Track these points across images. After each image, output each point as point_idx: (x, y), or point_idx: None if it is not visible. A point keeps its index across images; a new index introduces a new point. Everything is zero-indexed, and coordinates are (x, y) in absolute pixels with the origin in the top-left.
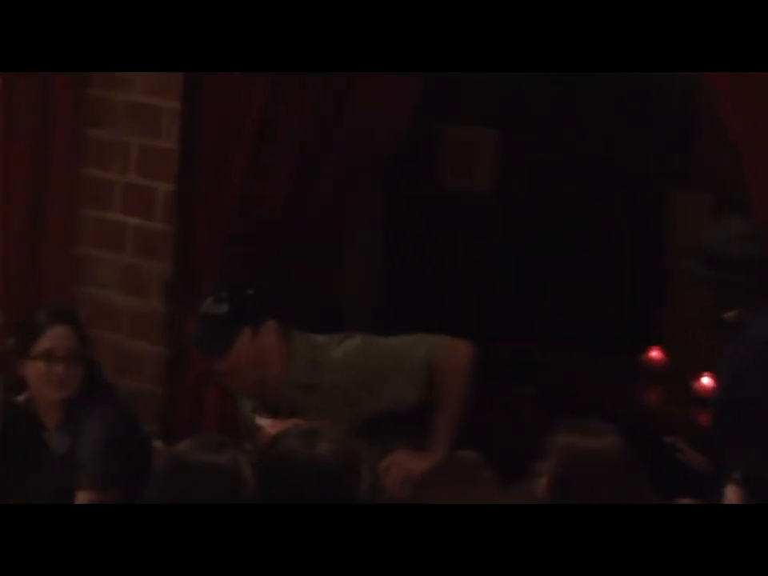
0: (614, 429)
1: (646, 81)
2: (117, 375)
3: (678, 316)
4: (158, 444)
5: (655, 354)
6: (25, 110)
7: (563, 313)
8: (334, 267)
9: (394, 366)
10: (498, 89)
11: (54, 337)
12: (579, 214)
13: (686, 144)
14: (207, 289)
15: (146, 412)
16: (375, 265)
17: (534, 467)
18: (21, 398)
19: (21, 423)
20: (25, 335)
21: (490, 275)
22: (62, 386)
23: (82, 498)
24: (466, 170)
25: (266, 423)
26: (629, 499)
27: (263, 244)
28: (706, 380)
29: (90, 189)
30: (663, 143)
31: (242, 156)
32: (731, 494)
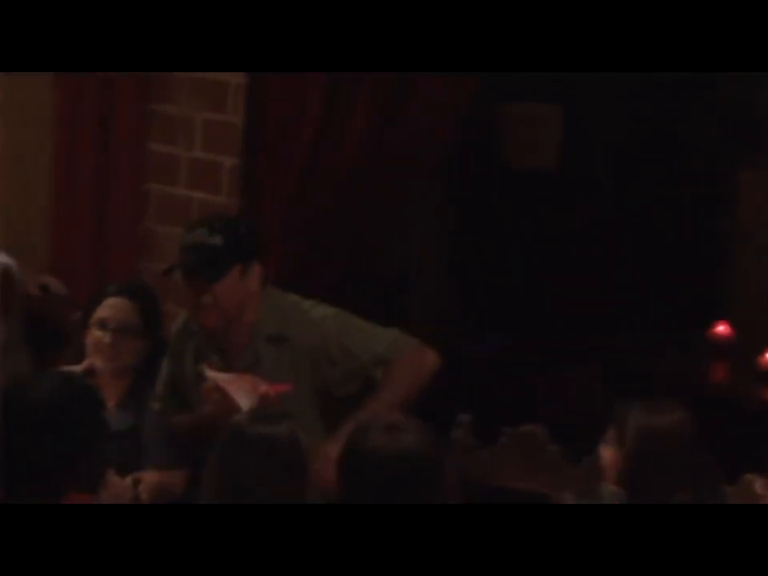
0: (682, 406)
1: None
2: None
3: (745, 291)
4: None
5: (722, 329)
6: (90, 86)
7: (628, 289)
8: (397, 247)
9: (355, 351)
10: None
11: (111, 306)
12: (644, 190)
13: (756, 122)
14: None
15: None
16: (440, 246)
17: (600, 444)
18: (78, 367)
19: (78, 397)
20: (88, 304)
21: (554, 253)
22: (110, 356)
23: (150, 478)
24: (530, 147)
25: (217, 376)
26: (697, 476)
27: (326, 219)
28: None
29: (155, 164)
30: (731, 119)
31: (307, 130)
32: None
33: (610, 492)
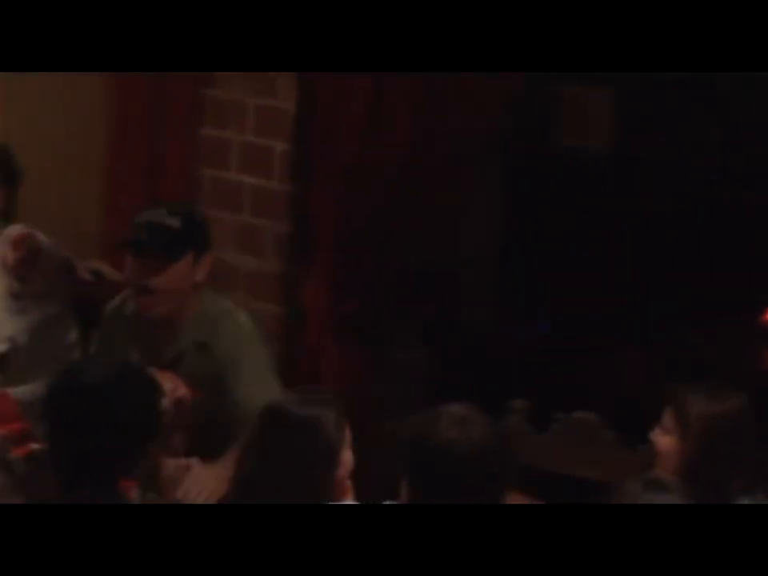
0: (736, 391)
1: None
2: None
3: None
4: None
5: None
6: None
7: (680, 273)
8: (448, 233)
9: (237, 394)
10: None
11: None
12: (695, 175)
13: None
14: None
15: None
16: (491, 231)
17: (655, 430)
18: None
19: (135, 383)
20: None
21: (605, 237)
22: None
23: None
24: (582, 131)
25: None
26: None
27: (377, 205)
28: None
29: (207, 148)
30: None
31: (358, 116)
32: None
33: (665, 481)
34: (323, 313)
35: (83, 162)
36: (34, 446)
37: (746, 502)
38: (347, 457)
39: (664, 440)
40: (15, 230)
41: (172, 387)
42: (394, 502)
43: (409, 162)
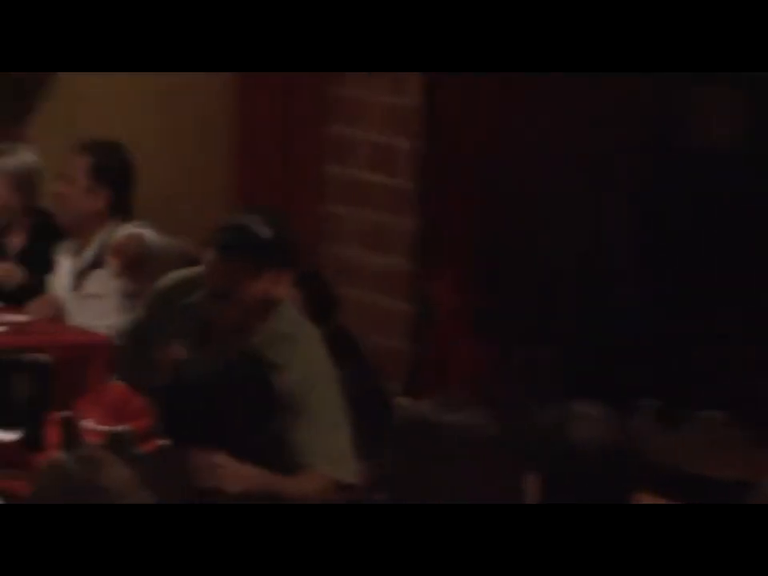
0: None
1: None
2: (361, 332)
3: None
4: (402, 401)
5: None
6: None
7: None
8: (581, 230)
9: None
10: None
11: None
12: None
13: None
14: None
15: (391, 369)
16: (622, 230)
17: None
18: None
19: (251, 374)
20: None
21: (733, 234)
22: None
23: None
24: (710, 129)
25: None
26: None
27: (505, 203)
28: None
29: (335, 147)
30: None
31: (485, 113)
32: None
33: None
34: (453, 311)
35: (209, 162)
36: (161, 441)
37: None
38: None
39: None
40: (126, 229)
41: None
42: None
43: (539, 160)
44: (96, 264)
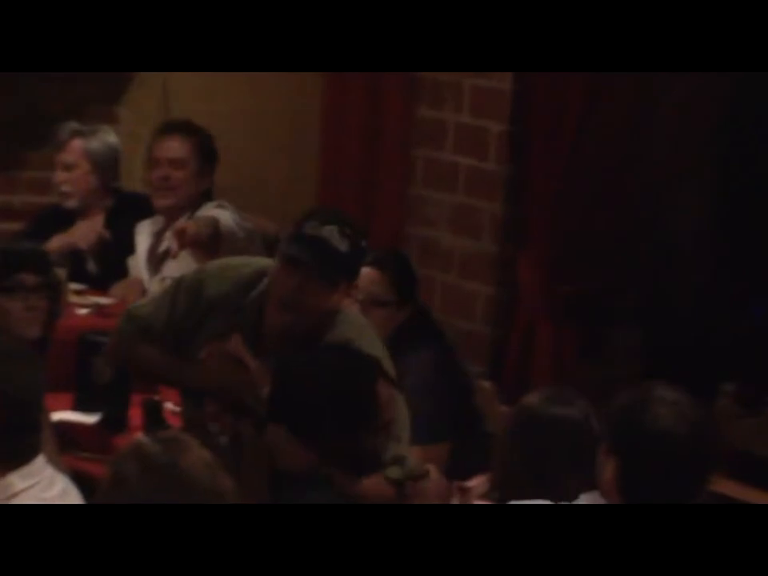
0: None
1: None
2: (446, 315)
3: None
4: (486, 385)
5: None
6: None
7: None
8: (667, 215)
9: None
10: None
11: (361, 278)
12: None
13: None
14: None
15: (475, 352)
16: (705, 216)
17: None
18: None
19: (359, 368)
20: None
21: None
22: None
23: (416, 453)
24: None
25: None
26: None
27: (595, 187)
28: None
29: (423, 129)
30: None
31: (576, 99)
32: None
33: None
34: (537, 294)
35: (297, 144)
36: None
37: None
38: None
39: None
40: (208, 210)
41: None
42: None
43: (627, 146)
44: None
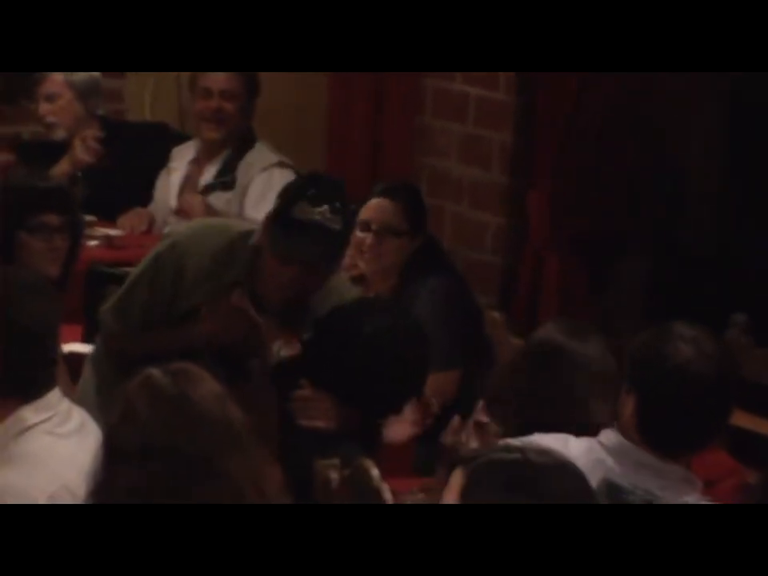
0: None
1: None
2: (456, 245)
3: None
4: (495, 315)
5: None
6: None
7: None
8: (675, 143)
9: None
10: None
11: (373, 207)
12: None
13: None
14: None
15: (485, 283)
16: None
17: None
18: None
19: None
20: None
21: None
22: (372, 257)
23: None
24: None
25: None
26: None
27: (602, 117)
28: None
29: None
30: None
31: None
32: None
33: None
34: (546, 226)
35: (303, 146)
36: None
37: None
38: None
39: None
40: (259, 155)
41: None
42: None
43: (639, 78)
44: (219, 185)
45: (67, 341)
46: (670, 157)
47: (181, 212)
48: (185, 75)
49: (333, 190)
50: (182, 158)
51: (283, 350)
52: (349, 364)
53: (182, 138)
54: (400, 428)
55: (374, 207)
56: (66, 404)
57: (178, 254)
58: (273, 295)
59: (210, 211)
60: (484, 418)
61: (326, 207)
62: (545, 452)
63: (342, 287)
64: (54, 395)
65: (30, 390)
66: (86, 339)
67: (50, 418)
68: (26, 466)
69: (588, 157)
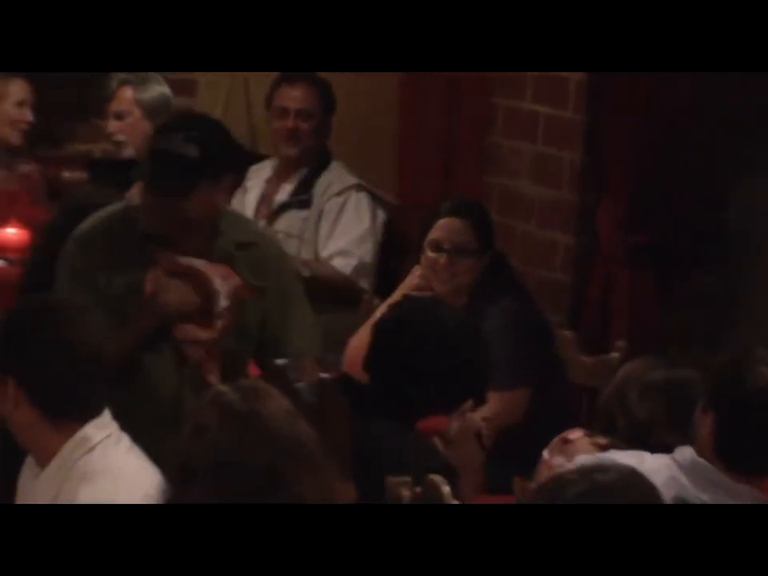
0: None
1: None
2: (526, 264)
3: None
4: (566, 334)
5: None
6: None
7: None
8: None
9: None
10: None
11: (444, 227)
12: None
13: None
14: None
15: (555, 301)
16: None
17: None
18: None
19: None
20: (422, 226)
21: None
22: (445, 278)
23: (494, 399)
24: None
25: (191, 260)
26: None
27: (673, 134)
28: None
29: (502, 79)
30: None
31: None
32: None
33: None
34: (616, 242)
35: (377, 167)
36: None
37: None
38: None
39: None
40: (335, 174)
41: (226, 274)
42: None
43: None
44: (295, 203)
45: None
46: (745, 168)
47: None
48: (255, 92)
49: (192, 120)
50: (258, 176)
51: (222, 285)
52: (415, 356)
53: (253, 156)
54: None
55: (444, 227)
56: (115, 424)
57: (76, 249)
58: (160, 229)
59: None
60: (572, 435)
61: (180, 135)
62: (611, 468)
63: (241, 217)
64: (108, 412)
65: (91, 408)
66: None
67: (110, 435)
68: (107, 480)
69: (659, 170)
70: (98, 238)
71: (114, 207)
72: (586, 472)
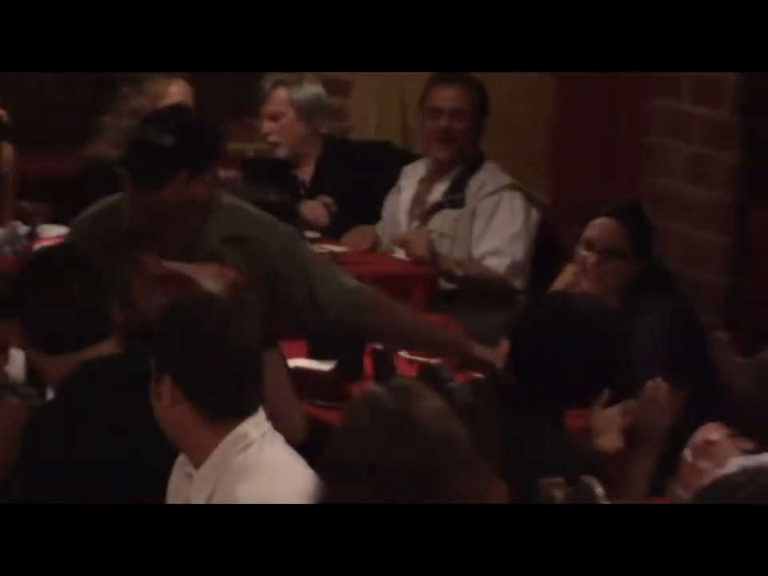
0: None
1: None
2: (680, 265)
3: None
4: (721, 336)
5: None
6: None
7: None
8: None
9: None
10: None
11: (598, 227)
12: None
13: None
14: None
15: (710, 303)
16: None
17: None
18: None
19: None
20: (580, 224)
21: None
22: (595, 277)
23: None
24: None
25: (175, 264)
26: None
27: None
28: None
29: (659, 80)
30: None
31: None
32: None
33: None
34: None
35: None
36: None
37: None
38: None
39: None
40: (488, 174)
41: (217, 274)
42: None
43: None
44: (448, 203)
45: (293, 356)
46: None
47: (405, 243)
48: (409, 92)
49: (170, 111)
50: (412, 176)
51: (215, 285)
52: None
53: (406, 157)
54: (610, 437)
55: (598, 227)
56: (268, 422)
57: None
58: (140, 221)
59: (432, 247)
60: (714, 437)
61: (156, 125)
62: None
63: (236, 211)
64: (263, 410)
65: (248, 406)
66: (311, 355)
67: (265, 433)
68: (265, 476)
69: None
70: (91, 227)
71: (112, 198)
72: (751, 474)
